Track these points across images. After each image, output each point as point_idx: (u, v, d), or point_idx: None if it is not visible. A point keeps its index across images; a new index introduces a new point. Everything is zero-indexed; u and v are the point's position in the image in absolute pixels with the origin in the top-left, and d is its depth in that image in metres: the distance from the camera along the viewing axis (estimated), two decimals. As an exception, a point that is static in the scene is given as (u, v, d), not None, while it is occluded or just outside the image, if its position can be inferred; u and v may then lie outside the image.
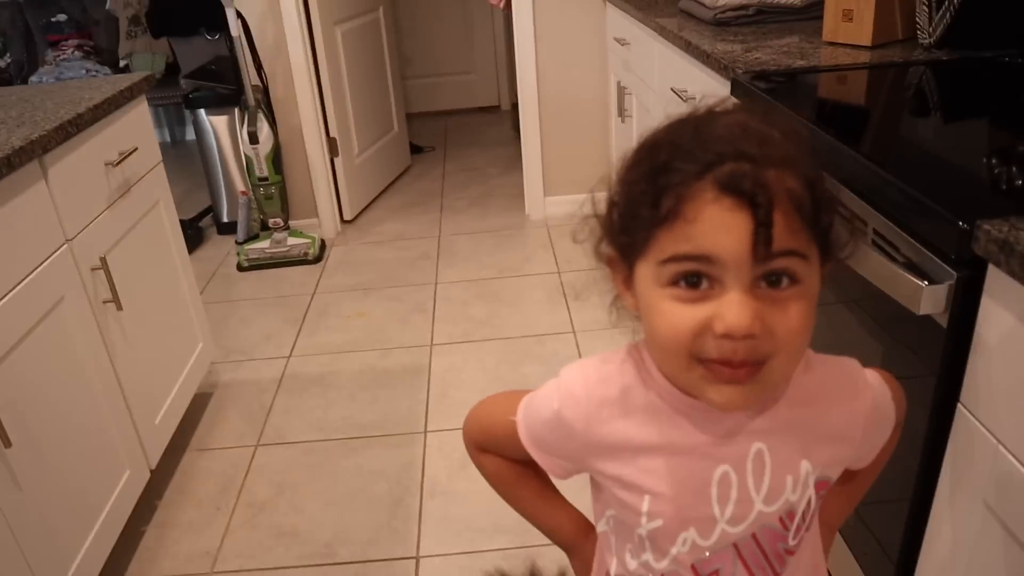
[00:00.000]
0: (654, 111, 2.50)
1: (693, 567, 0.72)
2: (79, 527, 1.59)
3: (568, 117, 3.43)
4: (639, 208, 0.62)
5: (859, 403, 0.72)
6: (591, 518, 0.85)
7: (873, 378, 0.76)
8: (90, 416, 1.67)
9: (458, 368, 2.51)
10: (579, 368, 0.74)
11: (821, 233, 0.61)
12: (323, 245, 3.44)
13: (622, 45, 2.89)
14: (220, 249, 3.52)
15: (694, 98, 1.94)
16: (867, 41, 1.76)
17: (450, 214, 3.75)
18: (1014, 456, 0.84)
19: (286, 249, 3.30)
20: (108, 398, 1.73)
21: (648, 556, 0.73)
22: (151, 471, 1.93)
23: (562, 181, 3.54)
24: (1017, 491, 0.84)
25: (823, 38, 1.86)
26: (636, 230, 0.63)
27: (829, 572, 1.35)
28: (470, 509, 1.94)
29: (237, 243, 3.39)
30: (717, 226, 0.58)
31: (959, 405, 0.93)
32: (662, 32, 2.25)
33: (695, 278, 0.60)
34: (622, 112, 3.01)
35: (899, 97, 1.57)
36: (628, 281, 0.67)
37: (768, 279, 0.60)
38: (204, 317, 2.35)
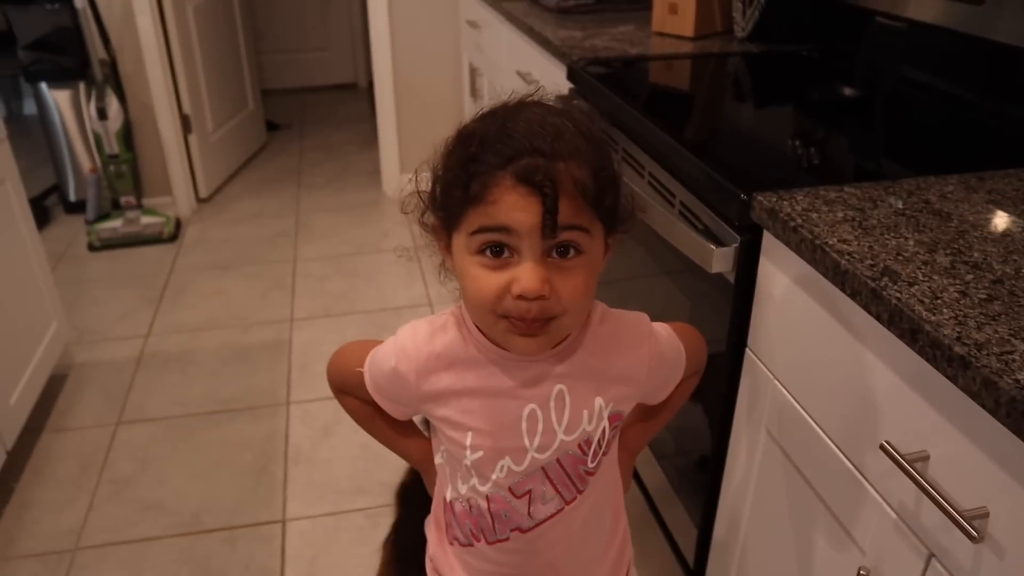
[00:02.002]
0: (503, 92, 2.62)
1: (510, 488, 0.87)
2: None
3: (423, 96, 3.51)
4: (453, 189, 0.75)
5: (644, 350, 0.88)
6: None
7: (663, 330, 0.92)
8: (-58, 397, 1.65)
9: (318, 342, 2.58)
10: (411, 328, 0.88)
11: (605, 211, 0.76)
12: (178, 223, 3.40)
13: (474, 28, 3.00)
14: (69, 229, 3.41)
15: (537, 81, 2.08)
16: (690, 33, 1.95)
17: (308, 191, 3.77)
18: (786, 389, 1.02)
19: (140, 228, 3.25)
20: (-40, 379, 1.72)
21: (474, 481, 0.88)
22: (7, 453, 1.91)
23: (418, 158, 3.59)
24: (789, 418, 1.02)
25: (652, 28, 2.04)
26: (451, 207, 0.77)
27: (646, 489, 1.54)
28: (333, 474, 2.03)
29: (87, 222, 3.30)
30: (513, 207, 0.71)
31: (747, 349, 1.11)
32: (509, 17, 2.38)
33: (498, 248, 0.74)
34: (474, 92, 3.13)
35: (713, 85, 1.76)
36: (449, 248, 0.81)
37: (558, 250, 0.74)
38: (56, 296, 2.32)
